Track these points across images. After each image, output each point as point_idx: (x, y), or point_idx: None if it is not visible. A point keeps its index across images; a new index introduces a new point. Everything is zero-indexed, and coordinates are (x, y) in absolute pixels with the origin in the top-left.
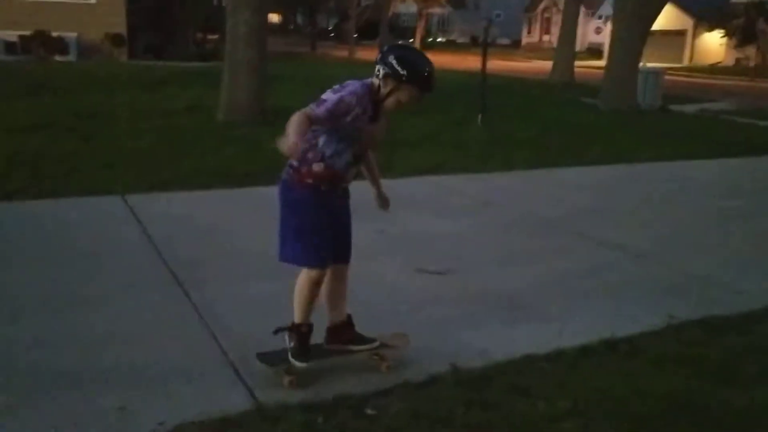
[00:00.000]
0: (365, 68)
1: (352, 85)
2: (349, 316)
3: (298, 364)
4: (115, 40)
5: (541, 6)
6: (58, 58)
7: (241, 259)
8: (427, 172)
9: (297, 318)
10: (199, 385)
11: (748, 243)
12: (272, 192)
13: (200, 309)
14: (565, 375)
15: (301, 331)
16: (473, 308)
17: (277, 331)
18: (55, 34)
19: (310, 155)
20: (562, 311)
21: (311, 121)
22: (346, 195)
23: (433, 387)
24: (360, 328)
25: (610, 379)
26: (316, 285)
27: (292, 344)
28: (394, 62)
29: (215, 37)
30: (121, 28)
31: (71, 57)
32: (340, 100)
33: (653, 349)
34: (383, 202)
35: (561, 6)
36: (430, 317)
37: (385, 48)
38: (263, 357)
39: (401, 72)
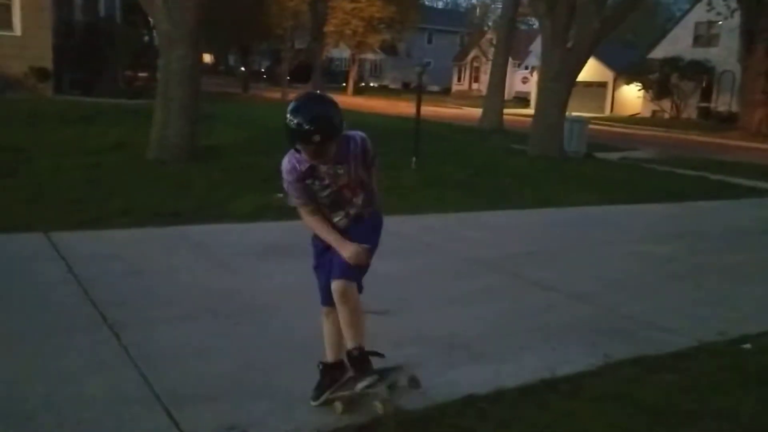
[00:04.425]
0: None
1: (283, 164)
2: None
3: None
4: (40, 74)
5: (470, 56)
6: None
7: (172, 299)
8: None
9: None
10: (131, 431)
11: (673, 284)
12: (202, 230)
13: (130, 351)
14: (507, 415)
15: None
16: (413, 349)
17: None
18: None
19: None
20: (501, 352)
21: (302, 210)
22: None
23: (375, 429)
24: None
25: (552, 419)
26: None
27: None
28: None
29: (145, 74)
30: (47, 63)
31: None
32: (286, 184)
33: (592, 389)
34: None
35: (490, 56)
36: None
37: None
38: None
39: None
